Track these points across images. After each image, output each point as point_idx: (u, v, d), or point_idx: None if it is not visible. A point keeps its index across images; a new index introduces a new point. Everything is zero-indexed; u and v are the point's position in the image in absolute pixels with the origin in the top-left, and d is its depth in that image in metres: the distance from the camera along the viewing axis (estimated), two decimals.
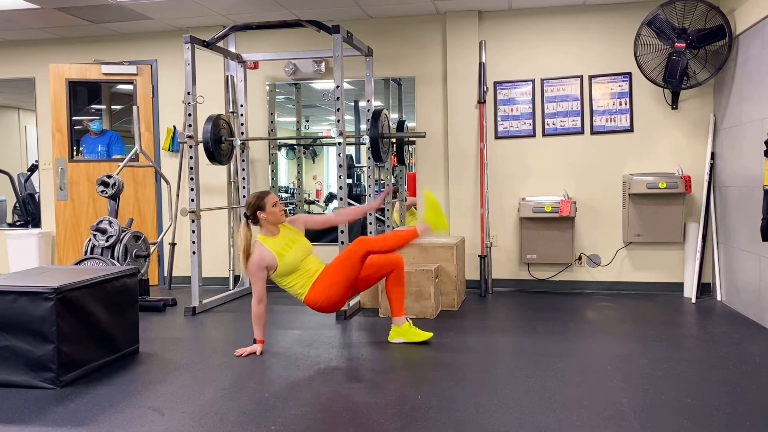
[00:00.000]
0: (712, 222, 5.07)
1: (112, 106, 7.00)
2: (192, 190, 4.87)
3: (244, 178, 5.80)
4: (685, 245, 5.20)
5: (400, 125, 5.59)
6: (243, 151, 5.78)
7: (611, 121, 5.40)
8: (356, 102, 7.50)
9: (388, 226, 6.11)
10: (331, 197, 9.68)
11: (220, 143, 5.21)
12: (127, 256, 4.85)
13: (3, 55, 6.43)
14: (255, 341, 3.71)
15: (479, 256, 5.45)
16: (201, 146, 5.13)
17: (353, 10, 5.43)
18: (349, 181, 8.40)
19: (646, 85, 5.22)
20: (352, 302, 4.83)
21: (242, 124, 5.77)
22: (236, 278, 5.93)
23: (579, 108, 5.44)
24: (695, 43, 4.83)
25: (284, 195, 7.70)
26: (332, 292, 3.70)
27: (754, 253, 4.31)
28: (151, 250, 5.22)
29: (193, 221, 4.86)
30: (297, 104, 6.88)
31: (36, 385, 3.11)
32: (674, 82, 4.95)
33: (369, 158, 5.41)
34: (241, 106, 5.76)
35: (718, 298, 4.98)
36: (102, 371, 3.37)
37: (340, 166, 4.67)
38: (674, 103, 5.24)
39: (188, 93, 4.85)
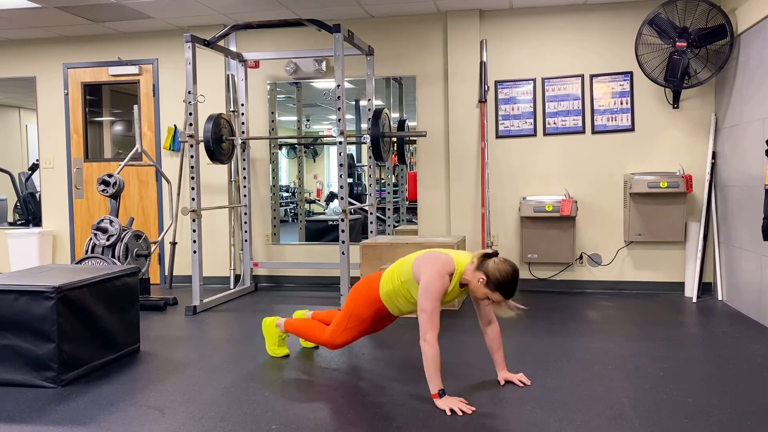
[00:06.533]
0: (713, 221, 5.07)
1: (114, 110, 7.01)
2: (193, 189, 4.87)
3: (245, 177, 5.80)
4: (686, 245, 5.19)
5: (401, 124, 5.60)
6: (244, 151, 5.78)
7: (612, 120, 5.40)
8: (357, 101, 7.51)
9: (388, 225, 6.12)
10: (331, 196, 9.69)
11: (220, 142, 5.21)
12: (128, 255, 4.86)
13: (4, 54, 6.43)
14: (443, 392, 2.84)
15: None
16: (202, 145, 5.13)
17: (354, 9, 5.43)
18: (350, 180, 8.41)
19: (647, 84, 5.21)
20: None
21: (243, 123, 5.77)
22: (237, 277, 5.93)
23: (580, 107, 5.44)
24: (696, 43, 4.82)
25: (285, 194, 7.70)
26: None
27: (755, 253, 4.31)
28: (152, 249, 5.23)
29: (193, 220, 4.86)
30: (298, 103, 6.88)
31: (37, 384, 3.11)
32: (675, 81, 4.94)
33: (370, 157, 5.41)
34: (242, 105, 5.76)
35: (719, 298, 4.98)
36: (103, 370, 3.37)
37: (340, 165, 4.67)
38: (675, 102, 5.23)
39: (189, 92, 4.85)
